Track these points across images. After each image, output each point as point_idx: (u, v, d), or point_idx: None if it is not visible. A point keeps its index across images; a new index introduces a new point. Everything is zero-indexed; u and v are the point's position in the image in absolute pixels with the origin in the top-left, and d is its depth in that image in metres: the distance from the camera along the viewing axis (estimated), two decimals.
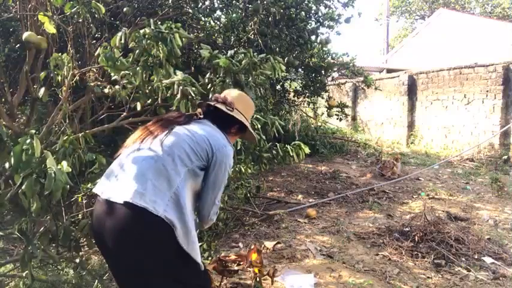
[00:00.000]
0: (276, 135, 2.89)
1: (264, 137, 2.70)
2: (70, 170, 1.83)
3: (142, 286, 1.61)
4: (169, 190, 1.62)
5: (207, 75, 2.79)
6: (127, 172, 1.65)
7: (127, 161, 1.70)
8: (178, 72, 2.43)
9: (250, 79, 2.70)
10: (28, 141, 1.79)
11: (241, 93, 2.11)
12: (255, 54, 2.76)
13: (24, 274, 2.38)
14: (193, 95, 2.36)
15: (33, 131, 1.87)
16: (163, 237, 1.59)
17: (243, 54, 2.75)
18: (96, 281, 2.80)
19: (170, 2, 5.11)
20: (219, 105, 1.93)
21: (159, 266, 1.59)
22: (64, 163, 1.81)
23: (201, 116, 1.95)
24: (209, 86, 2.76)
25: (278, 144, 2.95)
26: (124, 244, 1.57)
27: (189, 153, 1.71)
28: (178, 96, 2.40)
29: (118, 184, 1.63)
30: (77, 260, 2.61)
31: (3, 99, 4.06)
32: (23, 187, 1.76)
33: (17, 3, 3.17)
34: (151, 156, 1.67)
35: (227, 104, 1.94)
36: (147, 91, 2.59)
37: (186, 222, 1.63)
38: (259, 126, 2.64)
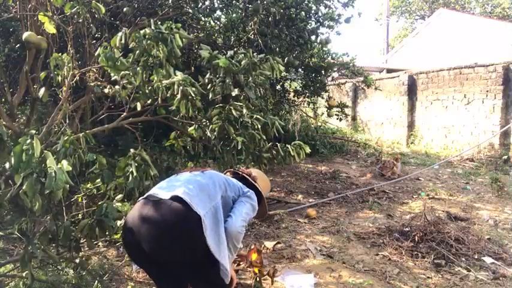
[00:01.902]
0: (276, 135, 2.88)
1: (264, 137, 2.70)
2: (70, 169, 1.84)
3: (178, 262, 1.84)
4: (209, 203, 1.89)
5: (207, 76, 2.79)
6: (175, 183, 1.95)
7: (175, 178, 2.04)
8: (178, 73, 2.43)
9: (250, 79, 2.70)
10: (28, 141, 1.79)
11: (263, 174, 2.53)
12: (254, 54, 2.76)
13: (24, 274, 2.38)
14: (193, 95, 2.36)
15: (34, 131, 1.87)
16: (196, 235, 1.78)
17: (242, 55, 2.75)
18: (96, 281, 2.80)
19: (170, 2, 5.11)
20: (245, 175, 2.33)
21: (191, 256, 1.80)
22: (64, 162, 1.82)
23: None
24: (209, 86, 2.76)
25: (279, 144, 2.95)
26: (170, 227, 1.75)
27: (226, 184, 2.07)
28: (179, 96, 2.40)
29: (166, 189, 1.89)
30: (77, 260, 2.61)
31: (3, 99, 4.06)
32: (24, 187, 1.76)
33: (17, 3, 3.17)
34: (196, 176, 2.02)
35: (252, 177, 2.35)
36: (147, 91, 2.58)
37: (220, 234, 1.87)
38: (259, 126, 2.64)
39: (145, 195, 1.92)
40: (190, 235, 1.77)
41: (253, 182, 2.33)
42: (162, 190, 1.89)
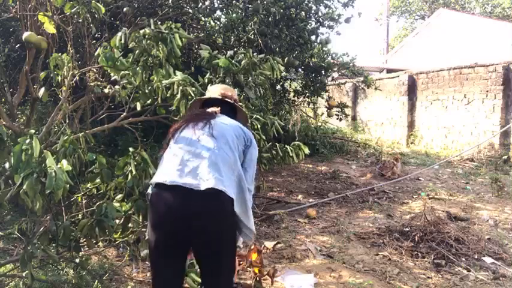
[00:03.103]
0: (276, 135, 2.88)
1: (263, 137, 2.70)
2: (70, 168, 1.84)
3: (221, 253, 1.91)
4: (233, 175, 1.92)
5: (207, 76, 2.79)
6: (198, 162, 1.88)
7: (193, 152, 1.91)
8: (178, 73, 2.43)
9: (249, 79, 2.70)
10: (28, 141, 1.79)
11: (225, 86, 2.41)
12: (254, 54, 2.76)
13: (24, 274, 2.38)
14: (193, 95, 2.36)
15: (33, 131, 1.87)
16: (231, 213, 1.88)
17: (242, 55, 2.75)
18: (96, 281, 2.81)
19: (170, 2, 5.11)
20: (227, 100, 2.25)
21: (231, 238, 1.93)
22: (64, 162, 1.82)
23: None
24: (209, 86, 2.76)
25: (278, 145, 2.95)
26: (215, 218, 1.84)
27: (235, 140, 2.02)
28: (178, 96, 2.40)
29: (194, 173, 1.84)
30: (77, 260, 2.61)
31: (3, 99, 4.07)
32: (24, 187, 1.76)
33: (17, 3, 3.17)
34: (213, 147, 1.93)
35: (235, 100, 2.29)
36: (147, 91, 2.58)
37: (246, 202, 1.94)
38: (259, 126, 2.64)
39: (174, 182, 1.81)
40: (230, 221, 1.88)
41: (238, 105, 2.30)
42: (193, 178, 1.82)
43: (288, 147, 2.89)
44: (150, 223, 1.90)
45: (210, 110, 2.16)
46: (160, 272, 1.95)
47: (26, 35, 2.87)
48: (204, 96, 2.33)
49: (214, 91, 2.29)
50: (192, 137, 1.98)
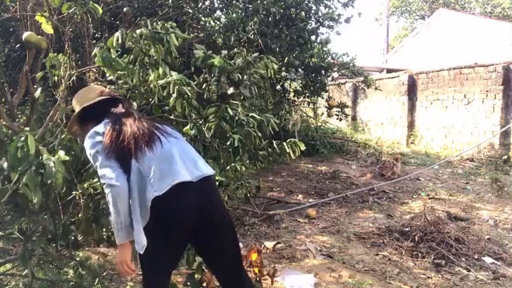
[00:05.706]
0: (272, 133, 2.89)
1: (259, 135, 2.71)
2: (68, 158, 1.83)
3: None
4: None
5: (202, 75, 2.81)
6: (187, 158, 1.96)
7: (177, 152, 1.94)
8: (173, 73, 2.45)
9: (244, 77, 2.71)
10: (23, 138, 1.78)
11: (93, 87, 2.28)
12: (249, 54, 2.79)
13: (24, 273, 2.38)
14: (189, 94, 2.37)
15: (29, 132, 1.87)
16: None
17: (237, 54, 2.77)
18: (96, 280, 2.81)
19: (170, 2, 5.12)
20: (113, 96, 2.16)
21: None
22: (61, 152, 1.82)
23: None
24: (204, 85, 2.78)
25: (274, 142, 2.96)
26: (219, 198, 2.10)
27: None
28: (174, 95, 2.41)
29: (192, 169, 1.93)
30: (77, 259, 2.61)
31: (3, 99, 4.07)
32: (24, 179, 1.75)
33: (17, 3, 3.17)
34: (181, 143, 2.03)
35: (109, 93, 2.16)
36: (143, 91, 2.59)
37: None
38: (255, 124, 2.65)
39: (177, 180, 1.82)
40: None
41: (121, 97, 2.21)
42: (197, 169, 1.94)
43: (284, 143, 2.89)
44: (165, 224, 1.81)
45: (118, 111, 2.04)
46: (163, 274, 1.94)
47: (26, 35, 2.88)
48: (88, 103, 2.04)
49: (89, 96, 2.08)
50: (165, 135, 1.96)
